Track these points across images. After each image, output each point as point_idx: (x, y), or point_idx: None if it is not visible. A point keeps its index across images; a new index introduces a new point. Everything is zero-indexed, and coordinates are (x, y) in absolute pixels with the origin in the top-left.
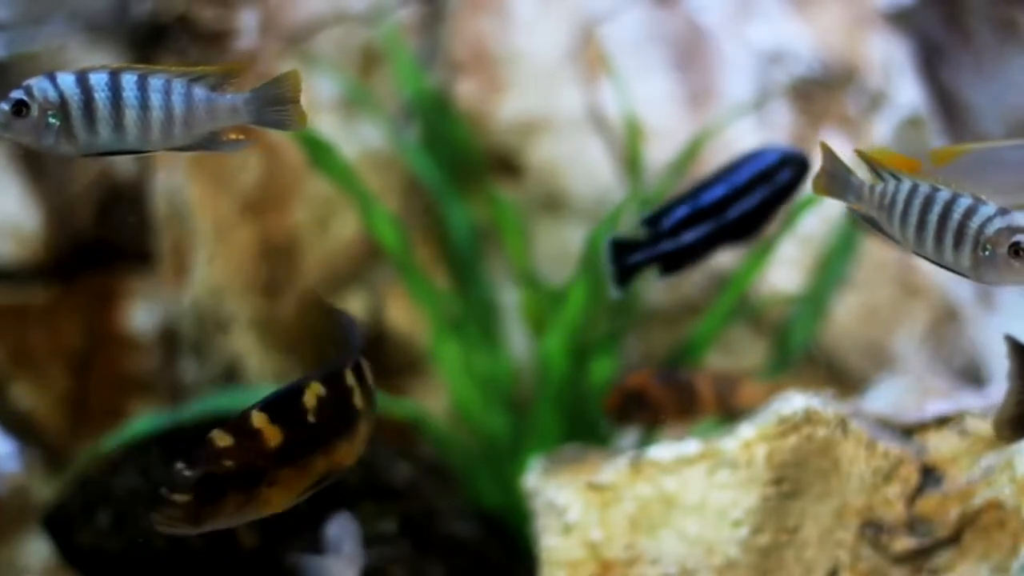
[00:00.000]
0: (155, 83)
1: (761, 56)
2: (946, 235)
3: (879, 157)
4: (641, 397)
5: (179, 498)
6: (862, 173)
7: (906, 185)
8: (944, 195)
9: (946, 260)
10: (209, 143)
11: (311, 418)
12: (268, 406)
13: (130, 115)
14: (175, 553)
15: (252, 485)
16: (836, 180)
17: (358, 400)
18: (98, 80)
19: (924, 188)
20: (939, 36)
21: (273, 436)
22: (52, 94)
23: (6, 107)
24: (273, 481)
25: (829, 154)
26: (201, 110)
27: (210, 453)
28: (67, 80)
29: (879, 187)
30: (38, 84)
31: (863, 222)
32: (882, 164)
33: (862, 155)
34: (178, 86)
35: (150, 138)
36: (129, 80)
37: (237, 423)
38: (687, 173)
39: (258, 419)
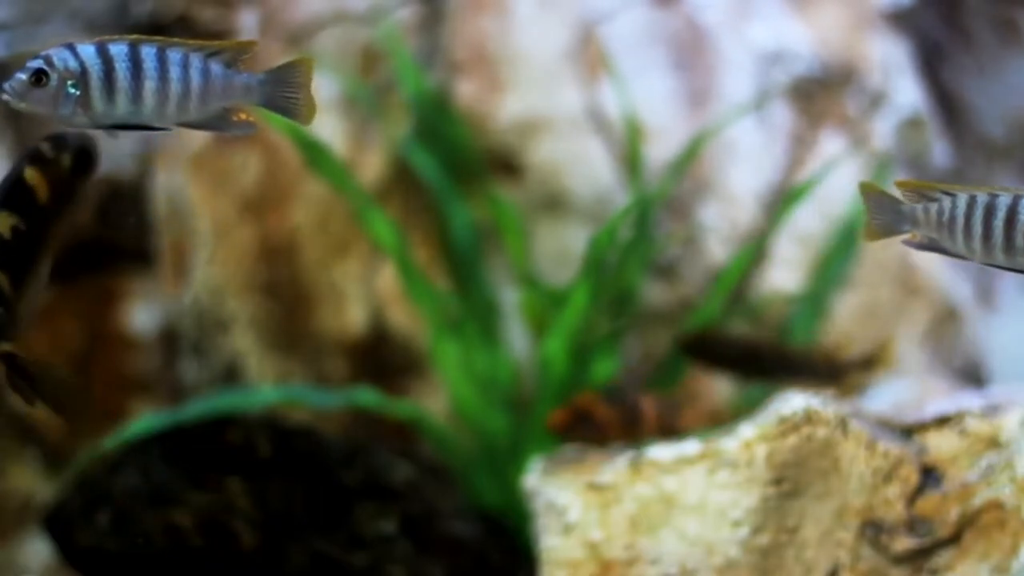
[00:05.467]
0: (174, 56)
1: (761, 56)
2: (1016, 238)
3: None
4: (588, 415)
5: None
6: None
7: (963, 198)
8: (1005, 199)
9: (1021, 263)
10: (219, 122)
11: None
12: None
13: (149, 87)
14: (175, 553)
15: None
16: (887, 220)
17: None
18: (119, 51)
19: (982, 197)
20: (939, 36)
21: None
22: (73, 63)
23: (24, 76)
24: None
25: (874, 196)
26: (217, 86)
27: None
28: (88, 50)
29: (934, 207)
30: (58, 54)
31: (922, 248)
32: (930, 185)
33: (904, 185)
34: (196, 60)
35: (167, 111)
36: (149, 52)
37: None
38: (687, 173)
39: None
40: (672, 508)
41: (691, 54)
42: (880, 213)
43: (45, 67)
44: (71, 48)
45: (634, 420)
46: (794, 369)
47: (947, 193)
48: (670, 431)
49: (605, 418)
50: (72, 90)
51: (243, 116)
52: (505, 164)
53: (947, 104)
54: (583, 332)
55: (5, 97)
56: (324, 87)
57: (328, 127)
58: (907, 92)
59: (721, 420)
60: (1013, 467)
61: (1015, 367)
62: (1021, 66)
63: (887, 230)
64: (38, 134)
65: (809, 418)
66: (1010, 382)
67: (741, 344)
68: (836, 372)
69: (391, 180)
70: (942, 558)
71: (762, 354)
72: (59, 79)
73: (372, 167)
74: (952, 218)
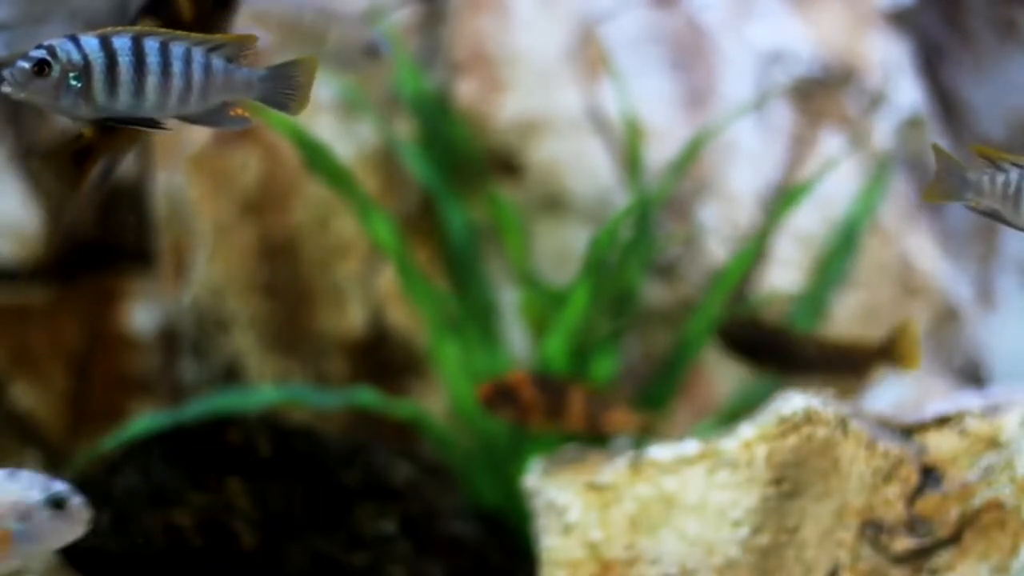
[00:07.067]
0: (176, 50)
1: (761, 56)
2: None
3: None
4: (512, 393)
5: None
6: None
7: None
8: None
9: None
10: (216, 117)
11: None
12: None
13: (151, 81)
14: (175, 553)
15: None
16: (952, 183)
17: None
18: (122, 44)
19: None
20: (939, 36)
21: None
22: (76, 55)
23: (26, 66)
24: None
25: (943, 160)
26: (218, 81)
27: None
28: (91, 43)
29: (1000, 178)
30: (61, 45)
31: (983, 215)
32: (999, 155)
33: (978, 151)
34: (198, 55)
35: (167, 105)
36: (152, 46)
37: None
38: (687, 173)
39: None
40: (672, 508)
41: (691, 54)
42: (947, 176)
43: (48, 58)
44: (74, 40)
45: (559, 409)
46: (831, 364)
47: (1016, 164)
48: (594, 428)
49: (529, 401)
50: (74, 82)
51: (239, 111)
52: (505, 164)
53: (947, 104)
54: (583, 332)
55: (5, 86)
56: (323, 88)
57: (327, 127)
58: (907, 92)
59: (654, 426)
60: (1013, 467)
61: (1015, 367)
62: (1021, 65)
63: (950, 194)
64: (39, 135)
65: (809, 418)
66: (1010, 382)
67: (784, 338)
68: (862, 363)
69: (390, 180)
70: (942, 558)
71: (801, 349)
72: (61, 70)
73: (371, 167)
74: (1018, 190)
